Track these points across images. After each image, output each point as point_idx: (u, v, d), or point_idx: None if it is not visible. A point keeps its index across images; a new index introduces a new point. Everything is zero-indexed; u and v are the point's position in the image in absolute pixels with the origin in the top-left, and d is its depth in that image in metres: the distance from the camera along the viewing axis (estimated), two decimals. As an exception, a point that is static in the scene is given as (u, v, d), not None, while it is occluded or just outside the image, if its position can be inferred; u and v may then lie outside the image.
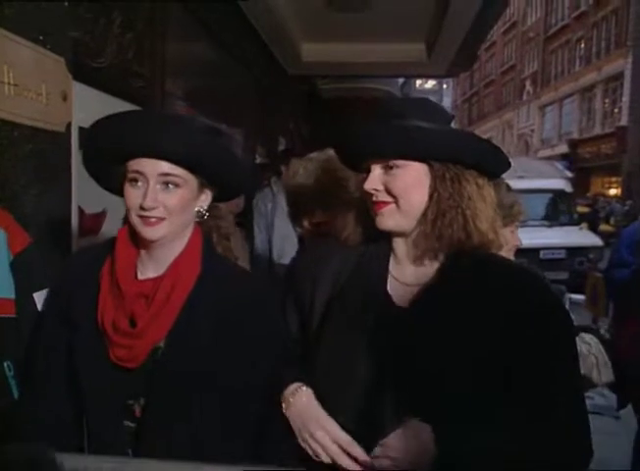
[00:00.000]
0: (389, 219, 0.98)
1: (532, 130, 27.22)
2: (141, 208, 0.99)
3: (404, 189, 0.96)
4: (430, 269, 0.99)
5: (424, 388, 0.89)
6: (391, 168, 0.97)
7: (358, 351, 0.95)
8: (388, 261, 1.01)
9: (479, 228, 0.95)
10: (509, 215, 1.55)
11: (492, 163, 0.99)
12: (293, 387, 0.98)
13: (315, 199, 1.41)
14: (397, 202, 0.97)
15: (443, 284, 0.96)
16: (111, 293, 1.03)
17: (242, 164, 1.12)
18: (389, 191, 0.97)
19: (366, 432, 0.89)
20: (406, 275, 1.00)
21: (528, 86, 28.36)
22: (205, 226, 1.13)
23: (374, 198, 0.98)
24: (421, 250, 0.98)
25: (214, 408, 1.02)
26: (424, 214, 0.96)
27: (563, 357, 0.92)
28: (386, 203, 0.97)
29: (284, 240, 3.36)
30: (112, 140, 1.00)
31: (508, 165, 1.01)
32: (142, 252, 1.06)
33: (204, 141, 1.03)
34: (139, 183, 1.00)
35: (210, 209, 1.10)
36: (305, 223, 1.46)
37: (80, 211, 1.74)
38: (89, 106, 1.66)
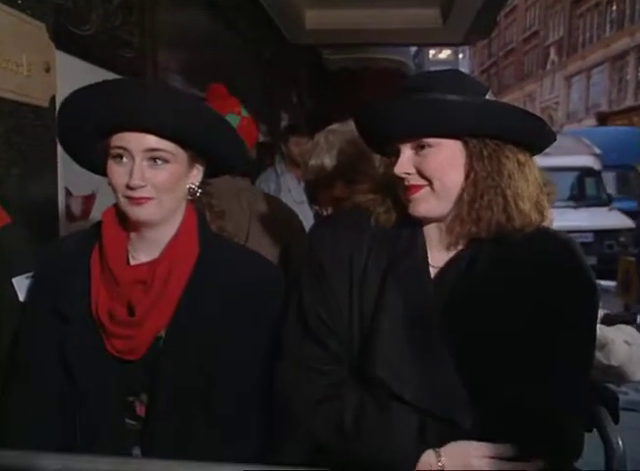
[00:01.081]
0: (423, 204, 0.96)
1: (557, 103, 26.92)
2: (128, 187, 0.97)
3: (439, 170, 0.95)
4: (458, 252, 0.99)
5: (483, 358, 0.92)
6: (422, 147, 0.95)
7: (425, 336, 0.95)
8: (426, 251, 1.00)
9: (521, 208, 0.94)
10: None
11: (534, 137, 0.97)
12: (428, 458, 0.92)
13: (337, 172, 1.40)
14: (431, 185, 0.95)
15: (481, 266, 0.96)
16: (103, 281, 1.02)
17: (235, 133, 1.10)
18: (421, 174, 0.96)
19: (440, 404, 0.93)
20: (439, 259, 1.00)
21: (553, 55, 27.97)
22: (197, 204, 1.11)
23: (405, 182, 0.97)
24: (455, 236, 0.97)
25: (220, 400, 1.01)
26: (460, 196, 0.95)
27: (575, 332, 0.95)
28: (419, 187, 0.96)
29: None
30: (90, 114, 0.98)
31: (553, 138, 0.99)
32: (133, 235, 1.05)
33: (192, 110, 1.01)
34: (124, 160, 0.98)
35: (201, 186, 1.08)
36: (324, 198, 1.45)
37: (68, 193, 1.74)
38: (75, 78, 1.63)
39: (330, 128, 1.47)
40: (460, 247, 0.99)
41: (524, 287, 0.94)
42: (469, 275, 0.96)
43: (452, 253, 0.99)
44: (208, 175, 1.09)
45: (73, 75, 1.64)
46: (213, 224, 1.22)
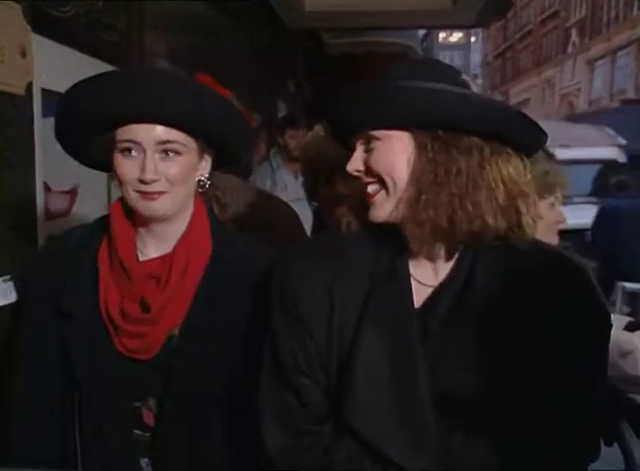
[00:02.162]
0: (379, 209, 0.93)
1: (578, 90, 26.87)
2: (141, 181, 0.99)
3: (386, 165, 0.91)
4: (449, 265, 0.96)
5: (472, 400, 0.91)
6: (370, 141, 0.93)
7: (410, 367, 0.93)
8: (407, 274, 0.97)
9: (469, 211, 0.88)
10: (543, 185, 1.52)
11: (504, 130, 0.90)
12: None
13: (337, 167, 1.40)
14: (384, 185, 0.93)
15: (454, 284, 0.94)
16: (113, 277, 1.05)
17: (244, 119, 1.13)
18: (372, 171, 0.93)
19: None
20: (426, 274, 0.97)
21: (574, 37, 27.91)
22: (205, 197, 1.14)
23: (368, 188, 0.94)
24: (418, 244, 0.92)
25: (236, 404, 1.03)
26: (406, 194, 0.91)
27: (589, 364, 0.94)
28: (377, 191, 0.93)
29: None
30: (97, 105, 1.00)
31: (535, 132, 0.94)
32: (141, 230, 1.07)
33: (201, 96, 1.03)
34: (134, 153, 1.00)
35: (209, 178, 1.11)
36: (324, 195, 1.46)
37: (47, 188, 1.74)
38: (53, 64, 1.65)
39: None
40: (442, 255, 0.95)
41: (519, 320, 0.91)
42: (460, 306, 0.93)
43: (437, 265, 0.96)
44: (214, 167, 1.12)
45: (51, 60, 1.65)
46: (219, 217, 1.26)
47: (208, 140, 1.06)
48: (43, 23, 1.63)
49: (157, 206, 1.02)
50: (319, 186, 1.48)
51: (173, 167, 1.01)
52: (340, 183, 1.40)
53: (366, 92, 0.94)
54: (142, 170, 0.99)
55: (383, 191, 0.93)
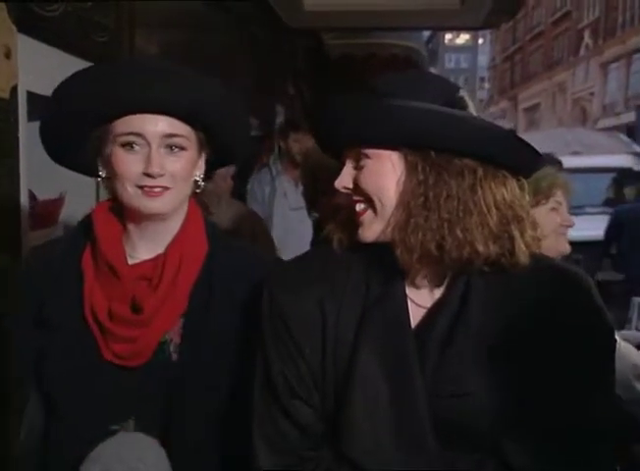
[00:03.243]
0: (367, 229, 0.94)
1: (591, 94, 27.01)
2: (146, 175, 1.00)
3: (374, 185, 0.92)
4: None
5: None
6: (360, 159, 0.94)
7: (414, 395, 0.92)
8: (403, 292, 0.97)
9: (458, 237, 0.88)
10: (539, 191, 1.54)
11: (498, 152, 0.90)
12: None
13: (336, 175, 1.40)
14: (372, 205, 0.93)
15: (450, 304, 0.94)
16: (99, 281, 1.05)
17: (245, 111, 1.16)
18: (360, 191, 0.94)
19: None
20: (422, 295, 0.98)
21: (587, 39, 28.09)
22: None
23: (357, 206, 0.95)
24: (406, 267, 0.93)
25: (234, 420, 1.02)
26: (395, 217, 0.91)
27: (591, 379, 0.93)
28: (365, 209, 0.94)
29: (286, 234, 3.35)
30: (97, 93, 1.00)
31: (529, 154, 0.93)
32: (131, 231, 1.08)
33: (203, 84, 1.05)
34: (137, 147, 1.01)
35: (197, 194, 1.12)
36: (324, 205, 1.46)
37: (32, 196, 1.74)
38: (39, 66, 1.65)
39: None
40: (445, 283, 0.96)
41: (522, 340, 0.91)
42: (457, 328, 0.93)
43: (432, 286, 0.96)
44: (212, 167, 1.13)
45: (37, 61, 1.66)
46: None
47: (210, 134, 1.07)
48: (29, 22, 1.64)
49: (159, 203, 1.02)
50: (319, 196, 1.48)
51: (177, 162, 1.02)
52: (338, 194, 1.41)
53: (355, 108, 0.94)
54: (149, 163, 0.99)
55: (370, 211, 0.94)
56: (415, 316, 0.96)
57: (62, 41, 1.82)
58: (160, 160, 1.00)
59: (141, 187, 1.01)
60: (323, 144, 1.06)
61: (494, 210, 0.90)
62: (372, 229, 0.94)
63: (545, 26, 34.15)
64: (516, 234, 0.91)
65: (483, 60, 49.42)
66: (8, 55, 1.52)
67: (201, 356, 1.04)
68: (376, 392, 0.92)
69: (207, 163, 1.12)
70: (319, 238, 1.60)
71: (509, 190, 0.92)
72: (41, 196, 1.79)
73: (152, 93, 0.98)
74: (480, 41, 48.51)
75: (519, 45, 39.28)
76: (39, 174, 1.67)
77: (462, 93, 0.96)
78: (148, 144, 1.00)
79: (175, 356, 1.05)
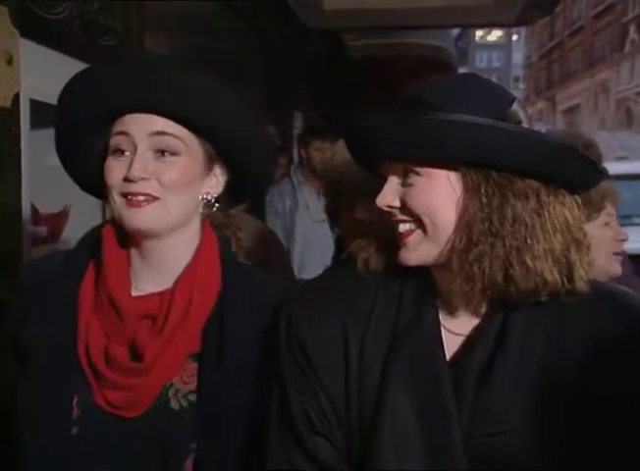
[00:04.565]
0: (412, 252, 0.91)
1: (637, 94, 26.72)
2: (126, 181, 0.95)
3: (426, 206, 0.90)
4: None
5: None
6: (409, 175, 0.92)
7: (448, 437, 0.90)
8: (437, 319, 0.95)
9: (528, 266, 0.87)
10: (589, 204, 1.49)
11: (562, 170, 0.89)
12: None
13: (357, 188, 1.37)
14: (421, 225, 0.91)
15: (488, 333, 0.92)
16: (97, 315, 1.00)
17: (262, 126, 1.11)
18: (408, 210, 0.92)
19: None
20: (459, 323, 0.95)
21: (632, 34, 27.85)
22: (220, 236, 1.10)
23: (400, 226, 0.93)
24: (463, 299, 0.92)
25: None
26: (451, 242, 0.89)
27: None
28: (412, 232, 0.92)
29: (309, 247, 3.35)
30: (94, 98, 0.99)
31: (595, 174, 0.93)
32: (135, 259, 1.03)
33: (212, 87, 1.01)
34: (127, 154, 0.97)
35: (226, 215, 1.08)
36: (344, 221, 1.44)
37: (34, 210, 1.76)
38: (43, 72, 1.67)
39: None
40: (484, 309, 0.93)
41: (575, 377, 0.88)
42: (497, 360, 0.90)
43: (471, 313, 0.94)
44: (231, 196, 1.08)
45: (40, 67, 1.68)
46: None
47: (220, 147, 1.02)
48: (32, 26, 1.66)
49: (144, 216, 0.96)
50: (341, 210, 1.46)
51: (169, 169, 0.97)
52: (360, 209, 1.37)
53: (399, 120, 0.92)
54: (130, 166, 0.95)
55: (419, 231, 0.91)
56: (450, 346, 0.94)
57: (67, 45, 1.84)
58: (144, 163, 0.95)
59: (125, 196, 0.96)
60: (357, 158, 1.04)
61: (559, 235, 0.88)
62: (418, 251, 0.91)
63: (585, 20, 33.94)
64: (576, 258, 0.89)
65: (517, 58, 49.23)
66: (10, 61, 1.54)
67: (222, 400, 0.99)
68: (406, 429, 0.90)
69: (228, 189, 1.07)
70: (340, 257, 1.58)
71: (570, 210, 0.90)
72: (44, 210, 1.81)
73: (148, 93, 0.96)
74: (514, 38, 48.36)
75: (557, 41, 39.11)
76: (42, 186, 1.69)
77: (516, 107, 0.93)
78: (135, 147, 0.96)
79: (176, 404, 1.00)
